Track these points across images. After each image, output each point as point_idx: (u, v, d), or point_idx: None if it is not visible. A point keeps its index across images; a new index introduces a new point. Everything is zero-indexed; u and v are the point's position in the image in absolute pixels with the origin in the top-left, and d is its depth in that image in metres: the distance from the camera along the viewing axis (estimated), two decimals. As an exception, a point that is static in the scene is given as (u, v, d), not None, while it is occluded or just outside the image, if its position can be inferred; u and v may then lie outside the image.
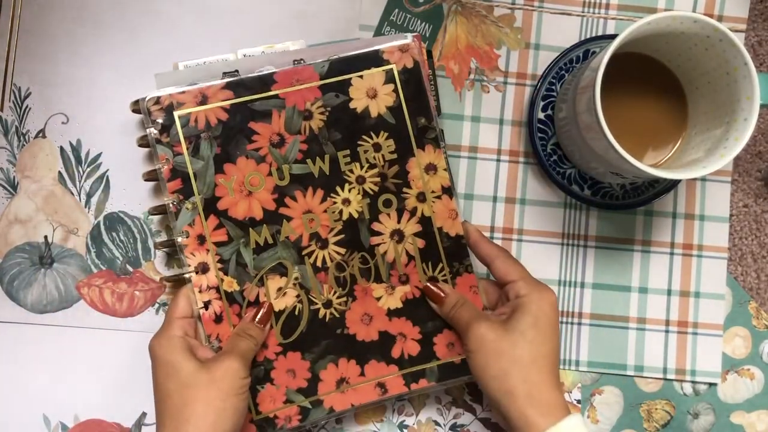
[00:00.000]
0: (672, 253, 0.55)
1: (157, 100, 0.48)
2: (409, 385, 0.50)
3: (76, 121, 0.54)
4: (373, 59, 0.49)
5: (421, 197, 0.50)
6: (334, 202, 0.49)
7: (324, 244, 0.49)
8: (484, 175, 0.54)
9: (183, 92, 0.48)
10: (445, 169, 0.50)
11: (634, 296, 0.55)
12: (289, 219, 0.49)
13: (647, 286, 0.55)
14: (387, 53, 0.49)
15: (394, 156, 0.50)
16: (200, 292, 0.48)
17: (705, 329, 0.55)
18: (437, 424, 0.54)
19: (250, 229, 0.49)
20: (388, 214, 0.50)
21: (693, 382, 0.55)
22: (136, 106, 0.51)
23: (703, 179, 0.55)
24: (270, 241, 0.49)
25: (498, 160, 0.55)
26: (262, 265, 0.49)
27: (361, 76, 0.49)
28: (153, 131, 0.48)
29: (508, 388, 0.43)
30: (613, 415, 0.54)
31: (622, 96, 0.49)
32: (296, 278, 0.49)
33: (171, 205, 0.48)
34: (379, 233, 0.50)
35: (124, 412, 0.53)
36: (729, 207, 0.55)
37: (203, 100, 0.48)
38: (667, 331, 0.54)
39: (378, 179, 0.50)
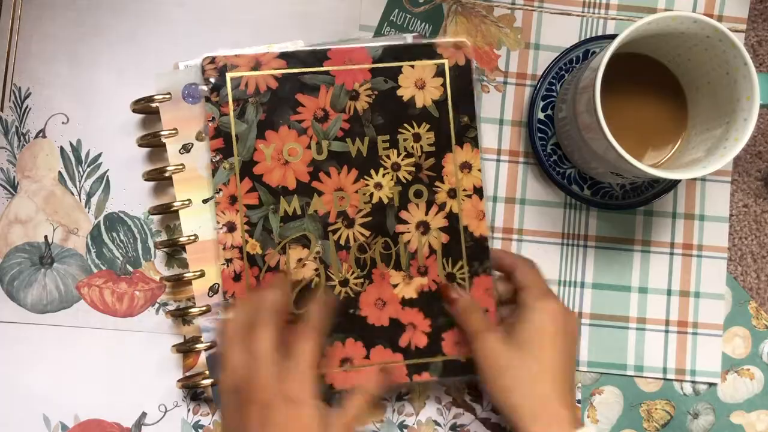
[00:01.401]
0: (672, 253, 0.55)
1: (213, 60, 0.49)
2: (411, 376, 0.50)
3: (76, 121, 0.54)
4: (427, 51, 0.50)
5: (452, 193, 0.50)
6: (367, 184, 0.50)
7: (350, 223, 0.50)
8: (484, 175, 0.54)
9: (238, 56, 0.49)
10: (479, 170, 0.50)
11: (634, 296, 0.55)
12: (320, 193, 0.50)
13: (647, 286, 0.55)
14: (441, 48, 0.50)
15: (432, 149, 0.50)
16: (224, 249, 0.49)
17: (705, 329, 0.55)
18: (437, 424, 0.54)
19: (281, 197, 0.50)
20: (417, 205, 0.50)
21: (693, 382, 0.55)
22: (137, 106, 0.51)
23: (703, 179, 0.55)
24: (298, 212, 0.50)
25: (498, 160, 0.55)
26: (287, 234, 0.50)
27: (412, 66, 0.50)
28: (204, 89, 0.49)
29: (512, 404, 0.43)
30: (613, 415, 0.54)
31: (622, 96, 0.49)
32: (318, 252, 0.50)
33: (211, 161, 0.49)
34: (405, 222, 0.50)
35: (124, 412, 0.53)
36: (729, 207, 0.55)
37: (256, 65, 0.49)
38: (667, 331, 0.54)
39: (413, 169, 0.50)
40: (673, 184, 0.53)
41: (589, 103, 0.44)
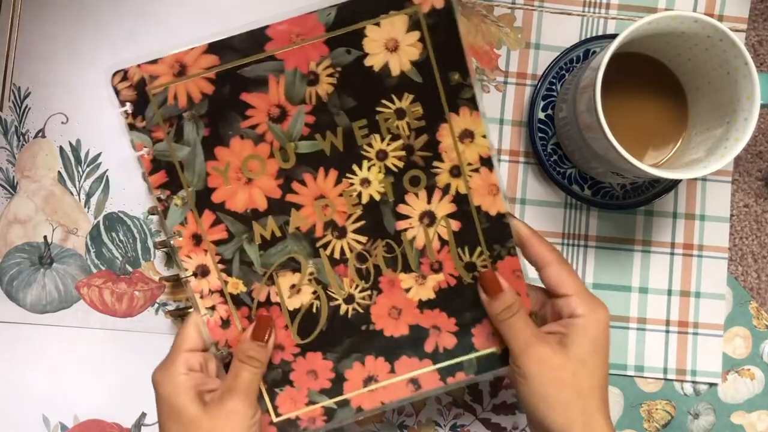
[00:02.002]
0: (672, 253, 0.55)
1: (125, 76, 0.40)
2: (445, 380, 0.45)
3: (76, 121, 0.54)
4: (393, 0, 0.40)
5: (455, 171, 0.42)
6: (351, 184, 0.42)
7: (342, 233, 0.43)
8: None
9: (155, 62, 0.40)
10: (483, 136, 0.42)
11: (634, 296, 0.55)
12: (298, 207, 0.42)
13: (647, 286, 0.55)
14: None
15: (422, 123, 0.42)
16: (201, 297, 0.43)
17: (705, 329, 0.55)
18: (437, 424, 0.54)
19: (254, 222, 0.42)
20: (416, 194, 0.43)
21: (693, 382, 0.55)
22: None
23: (704, 179, 0.55)
24: (278, 234, 0.43)
25: (498, 160, 0.54)
26: (271, 262, 0.43)
27: (377, 24, 0.40)
28: (124, 114, 0.40)
29: (567, 420, 0.40)
30: (614, 415, 0.54)
31: (622, 96, 0.49)
32: (311, 273, 0.43)
33: (158, 202, 0.41)
34: (406, 216, 0.43)
35: (124, 412, 0.53)
36: (729, 207, 0.55)
37: (182, 69, 0.40)
38: (667, 331, 0.54)
39: (403, 153, 0.42)
40: (674, 184, 0.53)
41: (590, 102, 0.44)
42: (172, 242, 0.42)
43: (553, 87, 0.53)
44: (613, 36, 0.50)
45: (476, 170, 0.43)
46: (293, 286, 0.43)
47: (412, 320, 0.45)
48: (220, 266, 0.43)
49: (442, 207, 0.43)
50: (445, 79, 0.41)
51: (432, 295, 0.44)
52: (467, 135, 0.42)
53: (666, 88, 0.50)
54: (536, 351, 0.41)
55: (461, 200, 0.43)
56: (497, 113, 0.55)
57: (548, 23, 0.55)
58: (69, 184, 0.54)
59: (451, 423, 0.54)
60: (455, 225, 0.43)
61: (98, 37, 0.54)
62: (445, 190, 0.43)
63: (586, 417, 0.40)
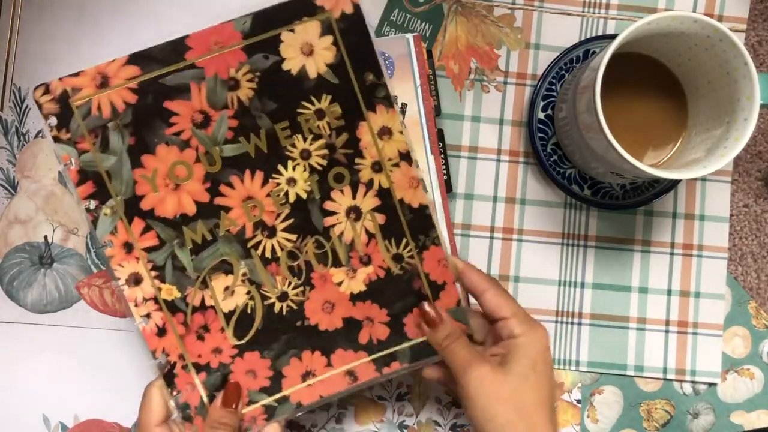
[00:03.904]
0: (672, 253, 0.55)
1: (47, 89, 0.41)
2: (380, 370, 0.46)
3: (76, 121, 0.54)
4: (304, 7, 0.42)
5: (377, 167, 0.44)
6: (278, 184, 0.44)
7: (271, 232, 0.44)
8: (484, 175, 0.54)
9: (77, 75, 0.41)
10: (401, 132, 0.44)
11: (634, 296, 0.55)
12: (227, 210, 0.43)
13: (647, 286, 0.55)
14: None
15: (341, 122, 0.43)
16: (136, 306, 0.43)
17: (705, 329, 0.55)
18: (437, 424, 0.54)
19: (184, 227, 0.43)
20: (341, 191, 0.44)
21: (693, 381, 0.55)
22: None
23: (703, 179, 0.55)
24: (208, 237, 0.43)
25: (498, 160, 0.55)
26: (203, 266, 0.44)
27: (292, 30, 0.42)
28: (48, 127, 0.41)
29: None
30: (613, 415, 0.54)
31: (622, 96, 0.49)
32: (244, 274, 0.44)
33: (87, 212, 0.42)
34: (333, 213, 0.44)
35: (124, 412, 0.53)
36: (729, 207, 0.55)
37: (104, 81, 0.41)
38: (667, 331, 0.54)
39: (325, 151, 0.44)
40: (674, 184, 0.53)
41: (590, 103, 0.44)
42: (104, 252, 0.43)
43: (553, 87, 0.53)
44: (613, 36, 0.50)
45: (396, 165, 0.44)
46: (227, 288, 0.44)
47: (346, 313, 0.46)
48: (153, 273, 0.43)
49: (367, 201, 0.45)
50: (360, 80, 0.43)
51: (363, 288, 0.46)
52: (385, 132, 0.44)
53: (666, 88, 0.50)
54: (476, 370, 0.42)
55: (385, 194, 0.45)
56: (497, 113, 0.55)
57: (548, 23, 0.55)
58: (69, 184, 0.54)
59: (451, 423, 0.54)
60: (381, 218, 0.45)
61: (98, 37, 0.54)
62: (369, 185, 0.44)
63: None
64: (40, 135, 0.54)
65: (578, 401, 0.54)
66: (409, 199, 0.45)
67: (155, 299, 0.44)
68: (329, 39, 0.42)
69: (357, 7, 0.42)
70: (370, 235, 0.45)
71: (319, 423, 0.54)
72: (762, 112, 0.56)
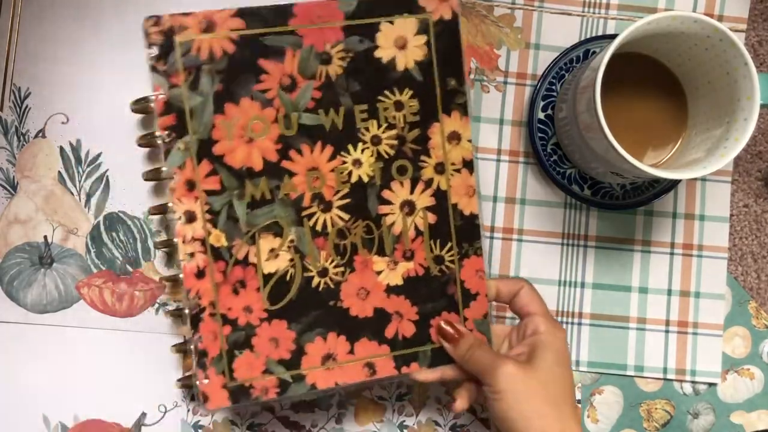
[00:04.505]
0: (672, 253, 0.55)
1: (157, 21, 0.42)
2: (399, 368, 0.46)
3: (76, 121, 0.54)
4: (408, 4, 0.44)
5: (440, 168, 0.46)
6: (344, 162, 0.45)
7: (327, 206, 0.45)
8: (484, 175, 0.54)
9: (187, 15, 0.43)
10: (469, 141, 0.46)
11: (634, 296, 0.55)
12: (291, 174, 0.44)
13: (647, 286, 0.55)
14: (424, 0, 0.45)
15: (417, 118, 0.45)
16: (184, 242, 0.44)
17: (705, 329, 0.55)
18: (437, 424, 0.54)
19: (247, 180, 0.44)
20: (401, 183, 0.46)
21: (693, 381, 0.55)
22: (136, 106, 0.51)
23: (703, 179, 0.55)
24: (267, 196, 0.44)
25: (498, 160, 0.55)
26: (256, 222, 0.44)
27: (391, 22, 0.44)
28: (149, 55, 0.43)
29: (543, 428, 0.42)
30: (613, 415, 0.54)
31: (622, 96, 0.49)
32: (291, 240, 0.45)
33: (161, 142, 0.43)
34: (388, 202, 0.46)
35: (124, 412, 0.53)
36: (729, 207, 0.55)
37: (209, 26, 0.43)
38: (667, 331, 0.54)
39: (395, 142, 0.45)
40: (674, 184, 0.53)
41: (590, 103, 0.44)
42: (170, 183, 0.44)
43: (553, 87, 0.53)
44: (613, 36, 0.50)
45: (458, 170, 0.46)
46: (272, 250, 0.45)
47: (378, 303, 0.46)
48: (207, 216, 0.44)
49: (423, 199, 0.46)
50: (443, 83, 0.45)
51: (400, 282, 0.46)
52: (455, 137, 0.46)
53: (666, 88, 0.50)
54: (503, 368, 0.43)
55: (441, 196, 0.46)
56: (497, 113, 0.55)
57: (548, 23, 0.55)
58: (69, 184, 0.54)
59: (451, 423, 0.54)
60: (432, 218, 0.46)
61: (98, 37, 0.54)
62: (428, 183, 0.46)
63: (563, 425, 0.42)
64: (40, 135, 0.54)
65: (578, 401, 0.54)
66: (462, 205, 0.46)
67: (202, 241, 0.44)
68: (423, 38, 0.45)
69: (455, 15, 0.45)
70: (418, 232, 0.46)
71: (319, 423, 0.54)
72: (762, 112, 0.56)
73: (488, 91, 0.55)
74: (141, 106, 0.51)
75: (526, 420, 0.42)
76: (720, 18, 0.55)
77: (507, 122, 0.55)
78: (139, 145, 0.51)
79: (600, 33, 0.55)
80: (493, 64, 0.55)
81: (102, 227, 0.54)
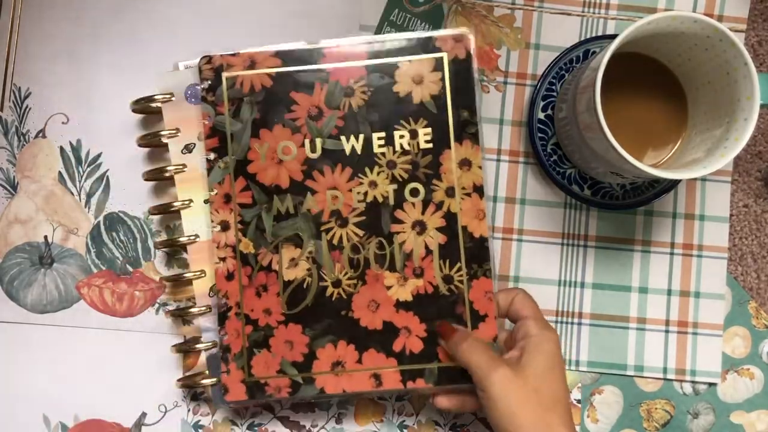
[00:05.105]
0: (672, 253, 0.55)
1: (210, 60, 0.49)
2: (405, 383, 0.49)
3: (76, 121, 0.54)
4: (425, 45, 0.49)
5: (451, 192, 0.49)
6: (361, 183, 0.49)
7: (344, 222, 0.49)
8: (484, 175, 0.54)
9: (234, 55, 0.49)
10: (479, 167, 0.49)
11: (634, 296, 0.55)
12: (313, 192, 0.49)
13: (647, 286, 0.55)
14: (440, 41, 0.49)
15: (430, 146, 0.49)
16: (218, 248, 0.49)
17: (705, 329, 0.55)
18: (437, 424, 0.54)
19: (275, 196, 0.49)
20: (413, 204, 0.49)
21: (693, 381, 0.55)
22: (137, 106, 0.51)
23: (703, 179, 0.55)
24: (291, 211, 0.49)
25: (498, 160, 0.55)
26: (280, 234, 0.49)
27: (410, 61, 0.49)
28: (200, 88, 0.49)
29: None
30: (613, 415, 0.54)
31: (622, 96, 0.49)
32: (310, 252, 0.49)
33: (206, 161, 0.49)
34: (400, 221, 0.49)
35: (124, 412, 0.53)
36: (729, 207, 0.55)
37: (252, 64, 0.49)
38: (667, 331, 0.54)
39: (409, 167, 0.49)
40: (674, 184, 0.53)
41: (590, 103, 0.44)
42: (210, 196, 0.49)
43: (553, 87, 0.53)
44: (613, 36, 0.50)
45: (468, 194, 0.49)
46: (293, 259, 0.49)
47: (388, 317, 0.49)
48: (239, 226, 0.49)
49: (434, 220, 0.49)
50: (456, 114, 0.49)
51: (409, 298, 0.49)
52: (466, 163, 0.49)
53: (666, 88, 0.50)
54: (497, 373, 0.43)
55: (451, 218, 0.49)
56: (497, 113, 0.55)
57: (548, 23, 0.55)
58: (69, 184, 0.54)
59: (451, 423, 0.54)
60: (442, 238, 0.49)
61: (98, 37, 0.54)
62: (439, 205, 0.49)
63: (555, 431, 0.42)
64: (41, 135, 0.54)
65: (578, 401, 0.54)
66: (472, 228, 0.49)
67: (234, 248, 0.49)
68: (438, 75, 0.49)
69: (469, 55, 0.49)
70: (428, 251, 0.49)
71: (319, 423, 0.54)
72: (762, 112, 0.56)
73: (488, 91, 0.55)
74: (141, 106, 0.51)
75: (520, 428, 0.42)
76: (720, 18, 0.55)
77: (507, 122, 0.55)
78: (140, 145, 0.51)
79: (600, 33, 0.55)
80: (493, 64, 0.55)
81: (102, 227, 0.54)
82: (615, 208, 0.54)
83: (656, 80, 0.50)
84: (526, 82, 0.55)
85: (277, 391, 0.49)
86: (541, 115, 0.53)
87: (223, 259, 0.49)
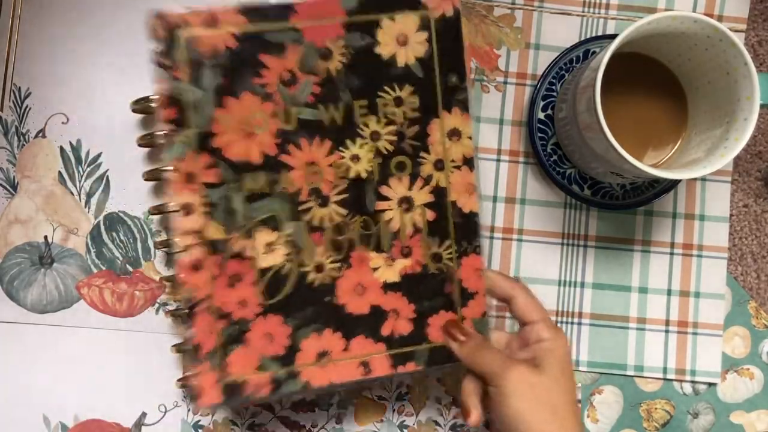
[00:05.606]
0: (672, 253, 0.55)
1: (161, 17, 0.43)
2: (396, 367, 0.46)
3: (76, 121, 0.54)
4: (409, 1, 0.44)
5: (439, 165, 0.45)
6: (342, 157, 0.45)
7: (324, 201, 0.45)
8: (484, 175, 0.54)
9: (191, 11, 0.43)
10: (469, 137, 0.45)
11: (634, 296, 0.55)
12: (289, 168, 0.44)
13: (647, 286, 0.55)
14: None
15: (416, 114, 0.45)
16: (181, 235, 0.44)
17: (705, 329, 0.55)
18: (437, 424, 0.54)
19: (245, 174, 0.44)
20: (400, 179, 0.45)
21: (693, 381, 0.55)
22: (137, 106, 0.51)
23: (703, 179, 0.55)
24: (265, 190, 0.44)
25: (498, 160, 0.55)
26: (253, 216, 0.44)
27: (392, 19, 0.44)
28: (153, 51, 0.43)
29: None
30: (613, 415, 0.54)
31: (622, 96, 0.49)
32: (288, 235, 0.45)
33: (162, 135, 0.43)
34: (386, 198, 0.45)
35: (124, 412, 0.53)
36: (729, 207, 0.55)
37: (212, 22, 0.43)
38: (667, 331, 0.55)
39: (394, 138, 0.45)
40: (674, 184, 0.53)
41: (590, 103, 0.44)
42: (169, 176, 0.44)
43: (553, 87, 0.53)
44: (613, 36, 0.50)
45: (458, 167, 0.46)
46: (269, 244, 0.45)
47: (375, 300, 0.46)
48: (205, 208, 0.44)
49: (421, 196, 0.46)
50: (443, 79, 0.45)
51: (397, 279, 0.46)
52: (455, 133, 0.45)
53: (666, 88, 0.50)
54: (515, 370, 0.43)
55: (440, 193, 0.46)
56: (497, 113, 0.55)
57: (548, 23, 0.55)
58: (69, 184, 0.54)
59: (451, 423, 0.54)
60: (430, 215, 0.46)
61: (98, 36, 0.54)
62: (427, 180, 0.46)
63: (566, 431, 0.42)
64: (40, 135, 0.54)
65: (578, 401, 0.54)
66: (462, 203, 0.46)
67: (200, 233, 0.44)
68: (424, 35, 0.45)
69: (457, 12, 0.45)
70: (416, 229, 0.46)
71: (319, 423, 0.54)
72: (762, 112, 0.56)
73: (488, 91, 0.55)
74: (141, 106, 0.51)
75: (527, 424, 0.42)
76: (720, 18, 0.55)
77: (507, 122, 0.55)
78: (139, 145, 0.51)
79: (600, 33, 0.55)
80: (493, 64, 0.55)
81: (102, 227, 0.54)
82: (615, 208, 0.54)
83: (656, 80, 0.50)
84: (526, 82, 0.55)
85: (258, 389, 0.45)
86: (541, 115, 0.53)
87: (188, 247, 0.44)
